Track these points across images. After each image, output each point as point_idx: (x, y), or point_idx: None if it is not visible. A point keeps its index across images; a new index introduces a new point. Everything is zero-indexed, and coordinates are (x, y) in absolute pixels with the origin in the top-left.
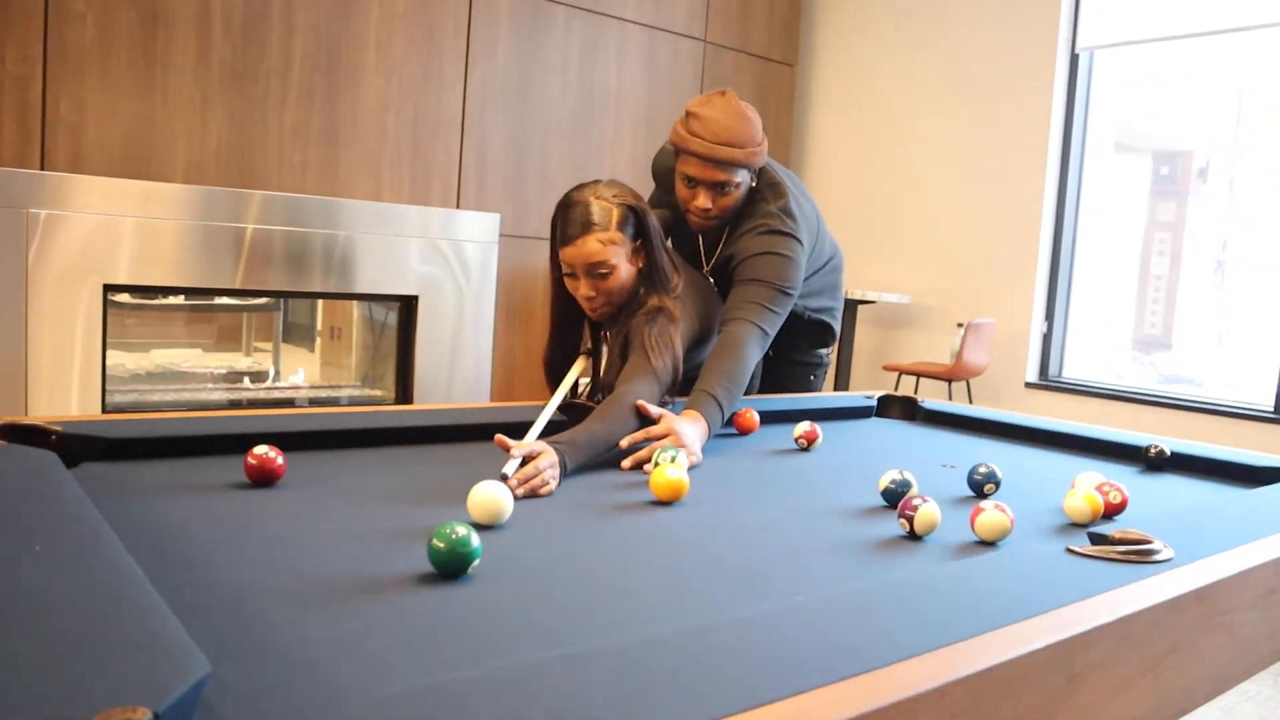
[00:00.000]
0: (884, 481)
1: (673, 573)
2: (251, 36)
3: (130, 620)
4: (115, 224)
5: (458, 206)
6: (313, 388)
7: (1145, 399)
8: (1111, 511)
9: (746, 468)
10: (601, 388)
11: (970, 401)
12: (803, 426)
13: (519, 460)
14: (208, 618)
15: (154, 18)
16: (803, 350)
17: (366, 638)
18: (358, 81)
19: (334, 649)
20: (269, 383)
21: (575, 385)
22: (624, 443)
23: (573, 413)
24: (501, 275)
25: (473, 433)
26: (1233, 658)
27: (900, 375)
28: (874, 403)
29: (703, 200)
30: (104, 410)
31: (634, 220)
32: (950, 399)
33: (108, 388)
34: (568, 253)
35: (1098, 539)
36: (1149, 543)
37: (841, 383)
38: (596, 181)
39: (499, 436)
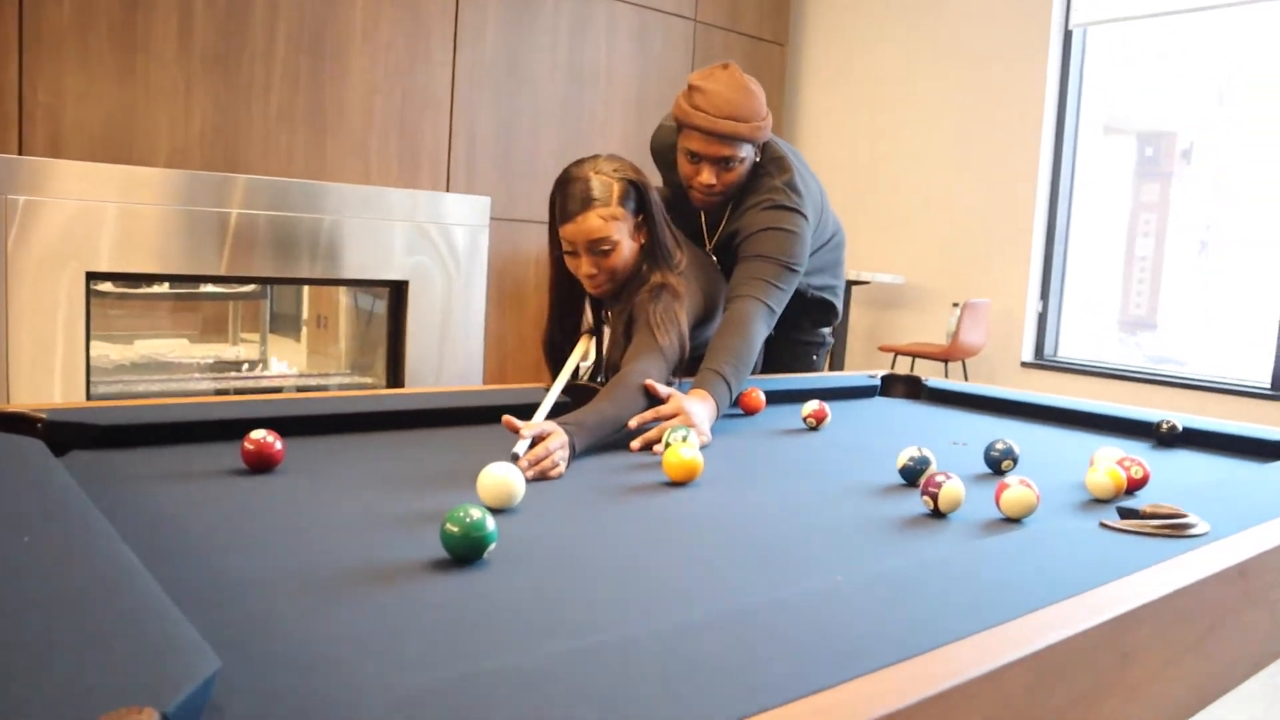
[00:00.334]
0: (902, 459)
1: (696, 555)
2: (234, 17)
3: (132, 615)
4: (96, 210)
5: (447, 190)
6: (301, 376)
7: (1142, 377)
8: (1134, 487)
9: (757, 447)
10: (606, 367)
11: (966, 382)
12: (811, 405)
13: (529, 441)
14: (212, 611)
15: None
16: (805, 329)
17: (381, 629)
18: (344, 64)
19: (347, 642)
20: (257, 372)
21: (577, 367)
22: (633, 423)
23: (576, 394)
24: (492, 259)
25: (474, 416)
26: (1269, 634)
27: (896, 356)
28: (878, 382)
29: (706, 176)
30: (89, 401)
31: (635, 195)
32: (947, 379)
33: (92, 379)
34: (568, 230)
35: (1127, 514)
36: (1183, 516)
37: (836, 364)
38: (596, 156)
39: (507, 417)
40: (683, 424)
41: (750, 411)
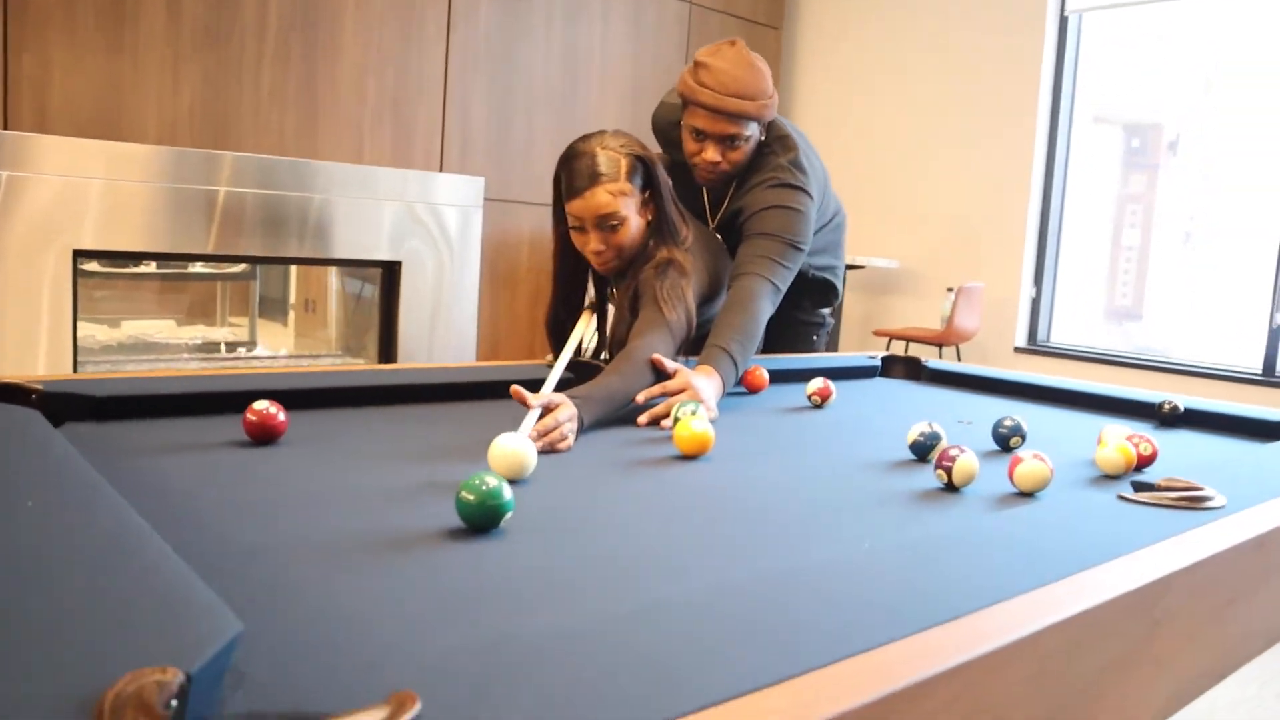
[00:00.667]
0: (913, 434)
1: (715, 525)
2: None
3: (148, 577)
4: (82, 186)
5: (441, 170)
6: (291, 357)
7: (1135, 363)
8: (1143, 463)
9: (763, 424)
10: (611, 344)
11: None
12: (816, 383)
13: (538, 412)
14: (225, 578)
15: None
16: (805, 309)
17: (400, 595)
18: (336, 42)
19: (366, 608)
20: (248, 353)
21: (579, 344)
22: (640, 397)
23: (580, 371)
24: (485, 240)
25: (477, 391)
26: None
27: (890, 340)
28: (878, 363)
29: (711, 154)
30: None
31: (643, 170)
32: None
33: (79, 359)
34: (575, 205)
35: (1142, 487)
36: (1200, 489)
37: (830, 347)
38: (601, 132)
39: (515, 388)
40: (690, 399)
41: (754, 390)
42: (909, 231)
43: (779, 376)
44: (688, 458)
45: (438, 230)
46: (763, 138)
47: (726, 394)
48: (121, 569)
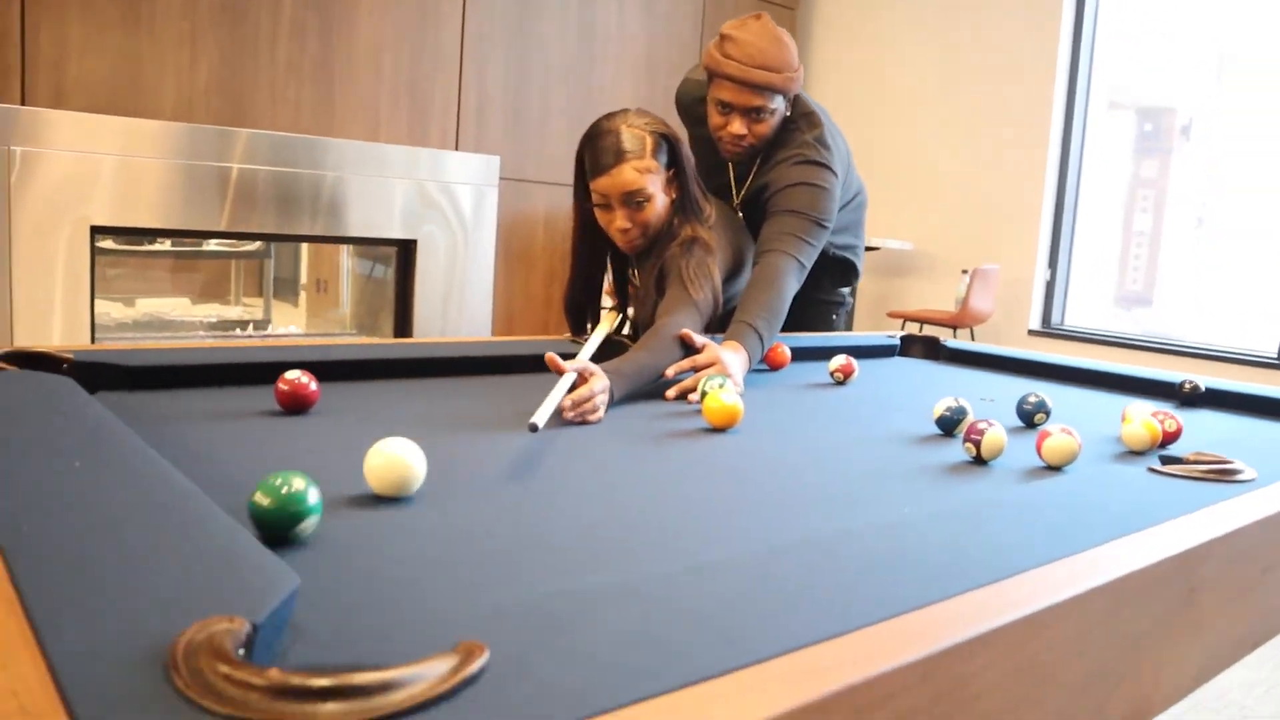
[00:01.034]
0: (939, 409)
1: (752, 492)
2: None
3: (203, 532)
4: (97, 162)
5: (456, 149)
6: (307, 335)
7: (1150, 346)
8: (1168, 440)
9: (788, 399)
10: (635, 323)
11: None
12: (839, 360)
13: (573, 378)
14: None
15: None
16: (825, 289)
17: (448, 556)
18: (352, 18)
19: (415, 567)
20: (264, 331)
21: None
22: (669, 371)
23: (606, 349)
24: (500, 219)
25: (500, 365)
26: None
27: (904, 321)
28: (897, 341)
29: (736, 126)
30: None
31: (668, 148)
32: None
33: (96, 336)
34: (601, 183)
35: (1170, 461)
36: (1230, 463)
37: (845, 329)
38: (625, 110)
39: (551, 355)
40: (718, 374)
41: (775, 366)
42: (924, 213)
43: (800, 354)
44: (717, 430)
45: (451, 209)
46: (788, 113)
47: (749, 371)
48: (177, 525)
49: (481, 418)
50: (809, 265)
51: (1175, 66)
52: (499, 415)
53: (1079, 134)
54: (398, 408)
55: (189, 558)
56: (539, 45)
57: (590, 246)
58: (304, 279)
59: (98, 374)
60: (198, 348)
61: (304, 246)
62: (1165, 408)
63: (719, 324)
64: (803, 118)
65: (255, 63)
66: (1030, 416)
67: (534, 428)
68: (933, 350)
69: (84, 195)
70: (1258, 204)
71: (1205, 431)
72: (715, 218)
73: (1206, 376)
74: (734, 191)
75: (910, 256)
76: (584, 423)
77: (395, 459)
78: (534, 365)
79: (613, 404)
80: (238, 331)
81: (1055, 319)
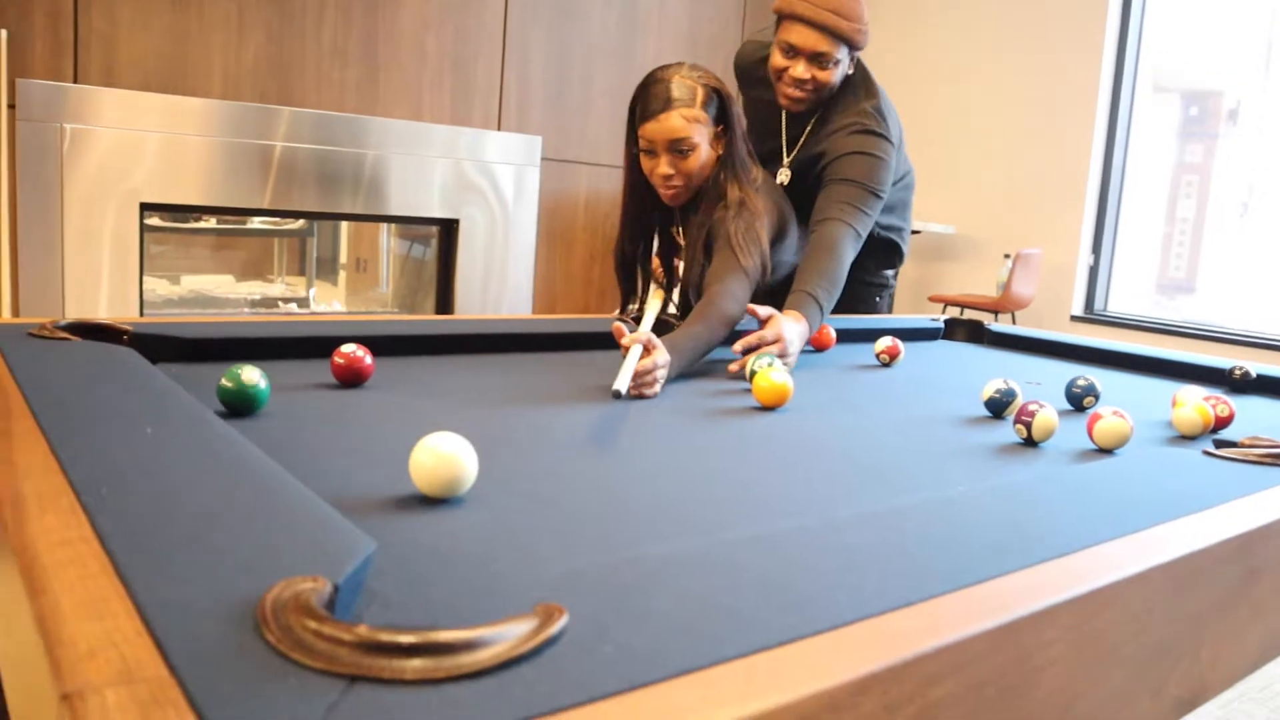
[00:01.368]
0: (988, 391)
1: (809, 467)
2: None
3: (278, 496)
4: (144, 140)
5: (499, 129)
6: (350, 313)
7: (1196, 333)
8: (1219, 425)
9: (836, 379)
10: (683, 285)
11: None
12: (885, 342)
13: (640, 350)
14: (340, 503)
15: None
16: (870, 270)
17: (513, 527)
18: None
19: (479, 539)
20: (308, 309)
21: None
22: (737, 347)
23: (655, 328)
24: (542, 199)
25: (555, 342)
26: None
27: (945, 306)
28: (941, 325)
29: (801, 70)
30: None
31: (718, 101)
32: None
33: (144, 311)
34: (649, 128)
35: (1225, 445)
36: None
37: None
38: (680, 63)
39: (617, 324)
40: (780, 350)
41: (820, 348)
42: (966, 197)
43: (844, 336)
44: (767, 409)
45: (492, 189)
46: (850, 71)
47: None
48: (252, 488)
49: (535, 391)
50: (864, 235)
51: (1222, 50)
52: (552, 389)
53: (1124, 118)
54: (451, 383)
55: (267, 520)
56: (582, 25)
57: (638, 202)
58: (343, 258)
59: (158, 345)
60: (252, 321)
61: (343, 225)
62: (1216, 393)
63: (765, 290)
64: (863, 83)
65: (301, 42)
66: (1079, 400)
67: (618, 394)
68: (977, 334)
69: (131, 172)
70: None
71: (1258, 417)
72: (760, 181)
73: (1256, 363)
74: (785, 154)
75: (951, 240)
76: (640, 396)
77: (446, 457)
78: (579, 344)
79: (668, 380)
80: (280, 309)
81: (1099, 305)
